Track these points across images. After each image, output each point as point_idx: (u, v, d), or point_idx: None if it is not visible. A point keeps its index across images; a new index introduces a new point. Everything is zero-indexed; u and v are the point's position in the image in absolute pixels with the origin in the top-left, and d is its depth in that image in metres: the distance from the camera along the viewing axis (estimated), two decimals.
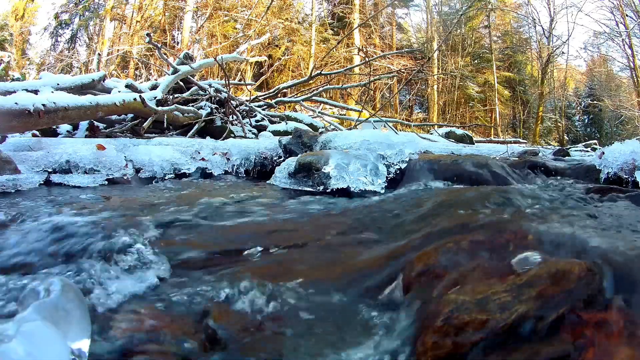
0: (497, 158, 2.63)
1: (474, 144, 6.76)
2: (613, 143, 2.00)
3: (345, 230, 1.28)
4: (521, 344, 0.56)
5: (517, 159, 2.70)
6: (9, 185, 1.83)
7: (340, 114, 8.64)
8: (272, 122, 5.35)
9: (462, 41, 20.26)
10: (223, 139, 3.58)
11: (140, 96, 3.35)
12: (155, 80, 5.69)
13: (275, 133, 4.53)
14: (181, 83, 4.84)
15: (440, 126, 8.57)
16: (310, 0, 18.74)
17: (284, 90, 6.95)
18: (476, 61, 21.53)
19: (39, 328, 0.52)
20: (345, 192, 1.85)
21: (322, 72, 6.35)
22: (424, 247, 0.90)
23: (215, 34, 16.60)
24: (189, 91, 4.84)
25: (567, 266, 0.63)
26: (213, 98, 4.86)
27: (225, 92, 4.86)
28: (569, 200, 1.42)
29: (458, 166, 2.02)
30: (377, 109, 9.28)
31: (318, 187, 1.92)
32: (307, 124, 5.44)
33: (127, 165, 2.35)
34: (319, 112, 7.08)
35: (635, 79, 17.12)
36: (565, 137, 19.38)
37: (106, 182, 2.19)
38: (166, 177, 2.42)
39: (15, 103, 2.32)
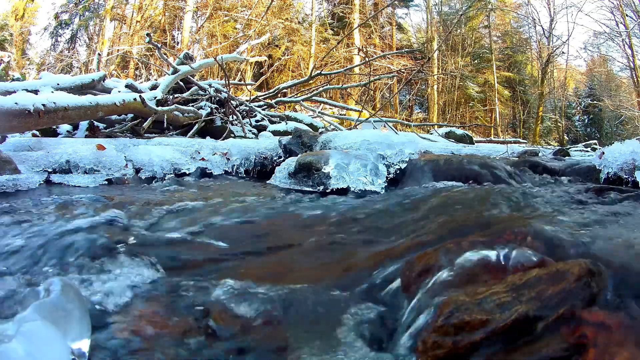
0: (497, 158, 2.63)
1: (474, 144, 6.76)
2: (613, 143, 2.00)
3: (346, 230, 1.28)
4: (521, 344, 0.56)
5: (517, 159, 2.71)
6: (9, 185, 1.83)
7: (340, 114, 8.62)
8: (272, 122, 5.34)
9: (462, 41, 20.24)
10: (223, 139, 3.58)
11: (140, 96, 3.35)
12: (155, 80, 5.69)
13: (275, 133, 4.53)
14: (181, 83, 4.84)
15: (440, 126, 8.57)
16: (310, 0, 18.75)
17: (284, 90, 6.95)
18: (476, 61, 21.52)
19: (39, 328, 0.52)
20: (345, 192, 1.85)
21: (322, 72, 6.35)
22: (424, 247, 0.90)
23: (215, 34, 16.59)
24: (189, 91, 4.84)
25: (566, 266, 0.63)
26: (213, 98, 4.86)
27: (225, 92, 4.86)
28: (568, 200, 1.42)
29: (458, 166, 2.02)
30: (377, 109, 9.28)
31: (318, 187, 1.92)
32: (307, 124, 5.43)
33: (127, 165, 2.35)
34: (319, 112, 7.07)
35: (635, 79, 17.12)
36: (565, 137, 19.39)
37: (106, 182, 2.20)
38: (166, 177, 2.42)
39: (15, 103, 2.32)
